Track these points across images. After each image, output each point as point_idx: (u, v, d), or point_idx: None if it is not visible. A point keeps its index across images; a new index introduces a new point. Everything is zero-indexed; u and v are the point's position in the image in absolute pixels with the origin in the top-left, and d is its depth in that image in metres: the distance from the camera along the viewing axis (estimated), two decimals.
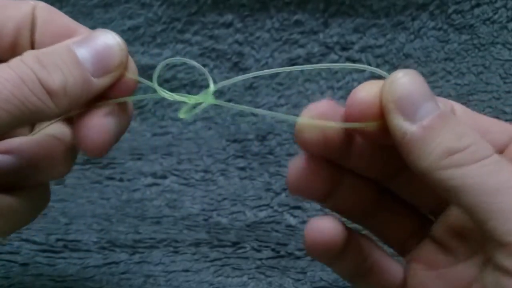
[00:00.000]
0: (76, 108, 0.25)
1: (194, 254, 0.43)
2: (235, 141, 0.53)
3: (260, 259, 0.43)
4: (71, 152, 0.28)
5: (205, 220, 0.48)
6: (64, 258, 0.43)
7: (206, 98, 0.27)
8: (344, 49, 0.56)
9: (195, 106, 0.27)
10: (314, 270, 0.41)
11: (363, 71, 0.56)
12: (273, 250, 0.43)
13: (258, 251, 0.43)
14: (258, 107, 0.55)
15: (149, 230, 0.45)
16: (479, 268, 0.22)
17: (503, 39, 0.55)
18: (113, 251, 0.43)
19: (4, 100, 0.22)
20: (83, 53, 0.25)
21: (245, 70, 0.56)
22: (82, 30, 0.27)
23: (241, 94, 0.55)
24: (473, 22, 0.56)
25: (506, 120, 0.55)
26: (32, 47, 0.27)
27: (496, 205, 0.19)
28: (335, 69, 0.56)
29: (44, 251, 0.43)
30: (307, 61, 0.56)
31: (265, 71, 0.29)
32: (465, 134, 0.21)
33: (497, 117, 0.55)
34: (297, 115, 0.23)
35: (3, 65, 0.24)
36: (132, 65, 0.27)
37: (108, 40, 0.26)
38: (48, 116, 0.25)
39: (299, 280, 0.41)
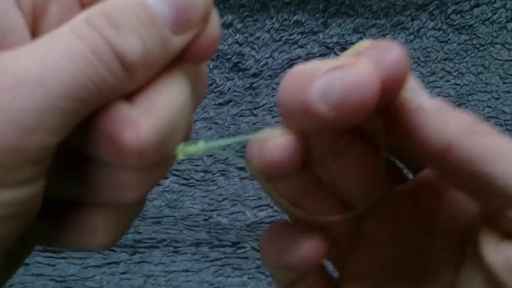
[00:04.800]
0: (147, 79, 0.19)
1: (194, 254, 0.43)
2: None
3: (260, 259, 0.43)
4: None
5: (205, 220, 0.48)
6: (64, 258, 0.43)
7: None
8: (344, 49, 0.56)
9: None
10: None
11: None
12: None
13: (258, 251, 0.43)
14: (258, 107, 0.55)
15: (149, 230, 0.45)
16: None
17: (502, 39, 0.55)
18: (114, 251, 0.43)
19: (79, 87, 0.17)
20: (160, 5, 0.19)
21: (245, 70, 0.56)
22: None
23: (241, 94, 0.55)
24: (473, 22, 0.56)
25: (506, 120, 0.55)
26: None
27: None
28: None
29: (44, 251, 0.43)
30: (307, 61, 0.56)
31: None
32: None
33: (497, 117, 0.55)
34: None
35: (70, 33, 0.17)
36: (214, 16, 0.20)
37: None
38: (115, 96, 0.18)
39: None
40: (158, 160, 0.19)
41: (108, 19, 0.18)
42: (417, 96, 0.20)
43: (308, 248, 0.21)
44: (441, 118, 0.19)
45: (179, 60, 0.20)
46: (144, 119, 0.18)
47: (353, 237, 0.23)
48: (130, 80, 0.18)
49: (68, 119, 0.17)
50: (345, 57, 0.20)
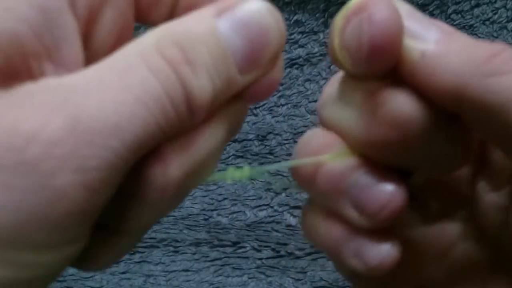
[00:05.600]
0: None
1: (194, 253, 0.43)
2: (235, 141, 0.53)
3: (260, 259, 0.43)
4: None
5: (205, 219, 0.48)
6: None
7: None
8: None
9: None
10: (314, 269, 0.41)
11: None
12: (273, 250, 0.43)
13: (258, 250, 0.43)
14: (258, 107, 0.55)
15: (149, 230, 0.45)
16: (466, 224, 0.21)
17: (503, 39, 0.55)
18: None
19: (147, 134, 0.15)
20: (234, 40, 0.16)
21: None
22: None
23: None
24: (473, 23, 0.56)
25: None
26: None
27: None
28: (335, 69, 0.56)
29: None
30: (307, 61, 0.56)
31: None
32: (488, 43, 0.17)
33: None
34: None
35: (141, 64, 0.15)
36: (281, 55, 0.18)
37: (265, 19, 0.16)
38: (171, 136, 0.16)
39: (299, 279, 0.41)
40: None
41: (182, 52, 0.15)
42: (420, 40, 0.17)
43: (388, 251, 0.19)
44: (448, 61, 0.16)
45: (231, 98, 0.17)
46: (176, 157, 0.16)
47: None
48: (189, 123, 0.16)
49: (127, 168, 0.15)
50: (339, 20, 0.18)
